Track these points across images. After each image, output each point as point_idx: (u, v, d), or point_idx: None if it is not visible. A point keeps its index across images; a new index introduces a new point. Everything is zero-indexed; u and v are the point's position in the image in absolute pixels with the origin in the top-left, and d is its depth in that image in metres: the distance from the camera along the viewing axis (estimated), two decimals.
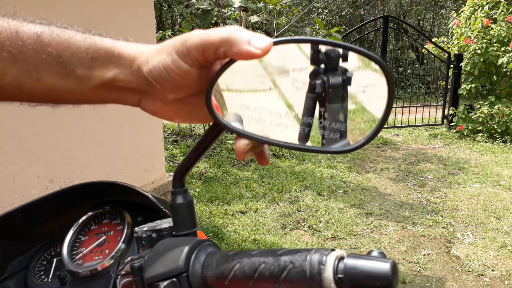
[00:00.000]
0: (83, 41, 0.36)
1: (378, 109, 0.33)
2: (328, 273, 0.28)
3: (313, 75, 0.34)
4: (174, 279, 0.36)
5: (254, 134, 0.36)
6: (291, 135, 0.36)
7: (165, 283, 0.36)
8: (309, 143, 0.35)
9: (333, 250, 0.29)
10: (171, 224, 0.42)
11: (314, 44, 0.33)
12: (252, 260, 0.32)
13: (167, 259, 0.37)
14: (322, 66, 0.34)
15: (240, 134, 0.38)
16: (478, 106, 6.29)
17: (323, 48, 0.33)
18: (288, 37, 0.33)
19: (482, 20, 6.23)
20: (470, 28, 6.46)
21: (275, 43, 0.33)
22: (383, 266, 0.27)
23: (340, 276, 0.28)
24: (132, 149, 2.39)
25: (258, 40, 0.32)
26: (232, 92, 0.38)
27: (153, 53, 0.36)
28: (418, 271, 2.49)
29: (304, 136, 0.36)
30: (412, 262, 2.59)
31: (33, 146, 1.82)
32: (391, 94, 0.32)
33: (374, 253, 0.29)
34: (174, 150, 5.08)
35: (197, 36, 0.34)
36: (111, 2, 2.16)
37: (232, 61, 0.34)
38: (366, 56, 0.33)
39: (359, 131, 0.34)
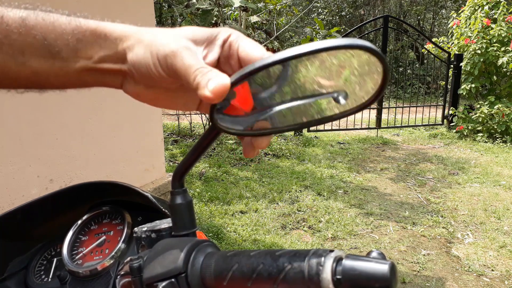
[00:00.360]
0: (68, 23, 0.36)
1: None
2: (327, 274, 0.28)
3: None
4: (173, 280, 0.36)
5: (255, 131, 0.36)
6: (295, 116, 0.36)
7: (164, 283, 0.36)
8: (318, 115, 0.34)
9: (331, 251, 0.29)
10: (171, 224, 0.42)
11: (276, 64, 0.31)
12: (251, 260, 0.32)
13: (166, 260, 0.37)
14: None
15: (241, 135, 0.38)
16: (478, 106, 6.29)
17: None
18: (243, 72, 0.32)
19: (482, 20, 6.23)
20: (470, 28, 6.46)
21: (233, 84, 0.32)
22: (382, 268, 0.27)
23: (338, 277, 0.28)
24: (132, 149, 2.39)
25: (212, 84, 0.32)
26: None
27: (139, 42, 0.35)
28: (418, 271, 2.49)
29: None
30: (412, 262, 2.59)
31: (33, 146, 1.82)
32: (386, 70, 0.31)
33: (374, 254, 0.29)
34: (174, 150, 5.08)
35: (179, 59, 0.34)
36: (111, 2, 2.16)
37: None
38: (345, 48, 0.30)
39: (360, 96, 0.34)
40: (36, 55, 0.35)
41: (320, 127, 6.46)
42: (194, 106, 0.41)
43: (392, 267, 0.27)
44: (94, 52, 0.36)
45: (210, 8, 4.16)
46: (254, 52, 0.35)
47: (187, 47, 0.35)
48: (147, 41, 0.35)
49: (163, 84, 0.37)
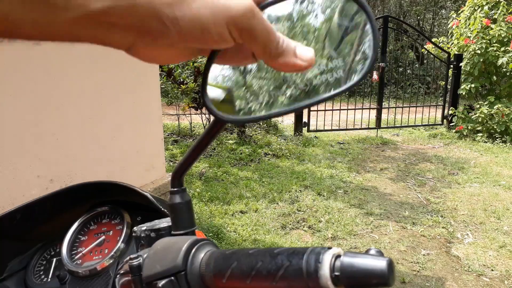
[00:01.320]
0: None
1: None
2: (325, 271, 0.28)
3: None
4: (172, 278, 0.36)
5: (261, 115, 0.35)
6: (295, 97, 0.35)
7: (163, 281, 0.36)
8: (316, 96, 0.34)
9: (329, 248, 0.29)
10: (170, 224, 0.42)
11: None
12: (250, 258, 0.32)
13: (165, 258, 0.37)
14: None
15: (247, 121, 0.37)
16: (478, 106, 6.29)
17: None
18: None
19: (481, 21, 6.24)
20: (470, 28, 6.46)
21: None
22: (380, 264, 0.27)
23: (336, 274, 0.28)
24: (132, 149, 2.39)
25: (303, 52, 0.30)
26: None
27: None
28: (418, 271, 2.49)
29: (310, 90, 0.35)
30: (412, 262, 2.60)
31: (33, 146, 1.82)
32: (375, 33, 0.31)
33: (372, 251, 0.29)
34: (174, 150, 5.08)
35: (259, 21, 0.29)
36: None
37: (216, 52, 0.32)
38: None
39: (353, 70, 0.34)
40: None
41: (320, 127, 6.47)
42: (191, 54, 0.34)
43: (390, 264, 0.28)
44: (94, 1, 0.27)
45: None
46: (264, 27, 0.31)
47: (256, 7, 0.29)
48: None
49: (196, 44, 0.30)
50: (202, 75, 0.35)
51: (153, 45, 0.30)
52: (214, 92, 0.36)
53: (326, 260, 0.28)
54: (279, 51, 0.29)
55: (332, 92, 0.33)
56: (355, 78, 0.32)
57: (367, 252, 0.29)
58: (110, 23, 0.28)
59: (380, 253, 0.29)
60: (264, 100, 0.36)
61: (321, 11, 0.34)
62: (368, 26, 0.32)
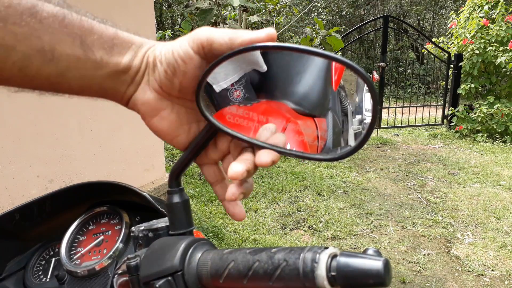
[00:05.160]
0: (106, 29, 0.36)
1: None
2: (321, 271, 0.28)
3: None
4: (169, 278, 0.36)
5: (247, 138, 0.36)
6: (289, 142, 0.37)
7: (161, 282, 0.36)
8: (309, 152, 0.36)
9: (326, 248, 0.29)
10: (168, 224, 0.42)
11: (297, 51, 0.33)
12: (247, 258, 0.32)
13: (163, 258, 0.37)
14: None
15: (236, 137, 0.37)
16: (478, 106, 6.29)
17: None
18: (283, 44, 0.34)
19: (479, 21, 6.24)
20: (468, 28, 6.47)
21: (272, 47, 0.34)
22: (376, 264, 0.27)
23: (333, 273, 0.28)
24: (132, 149, 2.39)
25: (262, 30, 0.35)
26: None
27: (169, 43, 0.38)
28: (418, 271, 2.49)
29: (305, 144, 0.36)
30: (412, 262, 2.59)
31: (33, 146, 1.82)
32: (375, 104, 0.33)
33: (370, 251, 0.29)
34: (174, 150, 5.09)
35: (208, 30, 0.36)
36: (111, 2, 2.16)
37: (224, 58, 0.34)
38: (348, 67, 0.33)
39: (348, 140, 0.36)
40: (68, 54, 0.34)
41: None
42: (194, 132, 0.40)
43: (386, 264, 0.28)
44: (126, 58, 0.37)
45: (209, 7, 4.16)
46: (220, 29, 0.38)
47: None
48: (172, 41, 0.38)
49: (182, 76, 0.37)
50: (197, 85, 0.37)
51: (148, 90, 0.38)
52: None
53: (323, 260, 0.28)
54: (239, 42, 0.35)
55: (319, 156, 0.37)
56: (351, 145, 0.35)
57: (364, 252, 0.29)
58: (131, 75, 0.38)
59: (377, 253, 0.29)
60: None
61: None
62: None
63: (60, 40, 0.33)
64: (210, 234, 2.82)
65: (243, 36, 0.34)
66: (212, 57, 0.36)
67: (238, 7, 4.87)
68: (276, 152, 0.35)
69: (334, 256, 0.29)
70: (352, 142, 0.37)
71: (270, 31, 0.34)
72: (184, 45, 0.36)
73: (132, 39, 0.38)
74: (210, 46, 0.35)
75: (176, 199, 0.41)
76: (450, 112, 6.67)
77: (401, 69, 10.76)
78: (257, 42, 0.33)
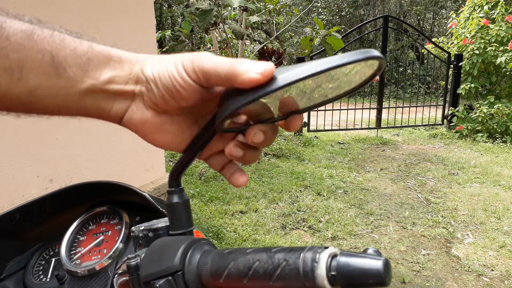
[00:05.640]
0: (79, 43, 0.34)
1: None
2: (321, 271, 0.28)
3: None
4: (170, 278, 0.36)
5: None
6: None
7: (161, 281, 0.36)
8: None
9: (326, 247, 0.29)
10: (168, 223, 0.43)
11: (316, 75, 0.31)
12: (247, 258, 0.32)
13: (163, 258, 0.37)
14: None
15: (237, 131, 0.38)
16: (478, 106, 6.29)
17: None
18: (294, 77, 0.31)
19: (479, 21, 6.24)
20: (468, 28, 6.47)
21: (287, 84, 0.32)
22: (376, 264, 0.27)
23: (333, 273, 0.28)
24: (132, 149, 2.39)
25: (257, 67, 0.32)
26: None
27: (157, 60, 0.36)
28: (418, 271, 2.49)
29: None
30: (412, 262, 2.60)
31: (33, 146, 1.82)
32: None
33: (370, 251, 0.29)
34: None
35: (206, 60, 0.34)
36: (111, 2, 2.16)
37: (249, 103, 0.33)
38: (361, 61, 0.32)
39: None
40: (38, 71, 0.32)
41: (320, 127, 6.47)
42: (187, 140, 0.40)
43: (386, 263, 0.28)
44: (103, 73, 0.34)
45: (209, 8, 4.16)
46: (218, 61, 0.36)
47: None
48: (166, 58, 0.36)
49: (180, 100, 0.35)
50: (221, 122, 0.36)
51: (143, 108, 0.37)
52: None
53: (323, 259, 0.28)
54: (232, 73, 0.33)
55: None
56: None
57: (364, 251, 0.29)
58: (113, 92, 0.35)
59: (377, 253, 0.29)
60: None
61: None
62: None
63: (28, 57, 0.31)
64: (210, 234, 2.82)
65: (242, 76, 0.32)
66: (212, 85, 0.35)
67: (238, 7, 4.87)
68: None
69: (334, 255, 0.29)
70: None
71: (267, 68, 0.32)
72: (180, 71, 0.34)
73: (109, 53, 0.35)
74: (209, 79, 0.34)
75: (176, 199, 0.41)
76: (450, 112, 6.67)
77: (401, 69, 10.76)
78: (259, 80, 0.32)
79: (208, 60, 0.34)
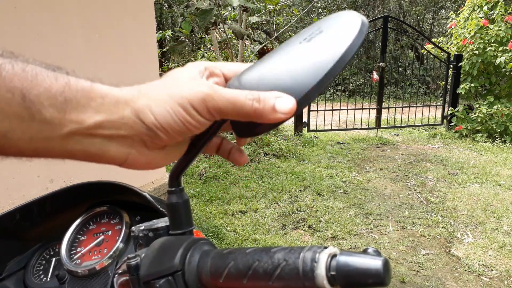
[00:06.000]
0: (55, 79, 0.29)
1: None
2: (321, 270, 0.28)
3: None
4: (170, 277, 0.36)
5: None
6: None
7: (161, 281, 0.36)
8: None
9: (326, 247, 0.29)
10: (168, 223, 0.43)
11: None
12: (246, 258, 0.32)
13: (163, 258, 0.37)
14: None
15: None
16: (477, 106, 6.29)
17: None
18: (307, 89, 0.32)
19: (478, 21, 6.24)
20: (467, 29, 6.47)
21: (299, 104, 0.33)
22: (375, 263, 0.27)
23: (332, 273, 0.28)
24: None
25: (283, 105, 0.31)
26: None
27: (153, 99, 0.32)
28: (418, 271, 2.49)
29: None
30: (411, 262, 2.60)
31: None
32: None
33: (369, 251, 0.29)
34: None
35: (218, 98, 0.31)
36: (111, 3, 2.16)
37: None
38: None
39: None
40: (7, 113, 0.27)
41: (320, 127, 6.47)
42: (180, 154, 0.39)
43: (386, 263, 0.28)
44: (88, 117, 0.30)
45: (209, 8, 4.16)
46: (235, 67, 0.36)
47: (213, 84, 0.33)
48: (163, 95, 0.32)
49: (192, 133, 0.34)
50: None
51: (146, 151, 0.33)
52: None
53: (322, 259, 0.28)
54: (257, 112, 0.31)
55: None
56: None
57: (364, 251, 0.29)
58: (105, 136, 0.31)
59: (377, 253, 0.29)
60: None
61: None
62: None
63: None
64: (210, 234, 2.82)
65: (269, 116, 0.31)
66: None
67: (238, 7, 4.87)
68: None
69: (333, 255, 0.29)
70: None
71: (293, 107, 0.31)
72: (193, 114, 0.31)
73: (90, 91, 0.30)
74: (226, 116, 0.33)
75: (176, 199, 0.41)
76: (449, 112, 6.67)
77: (400, 69, 10.76)
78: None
79: (221, 99, 0.31)
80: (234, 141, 0.42)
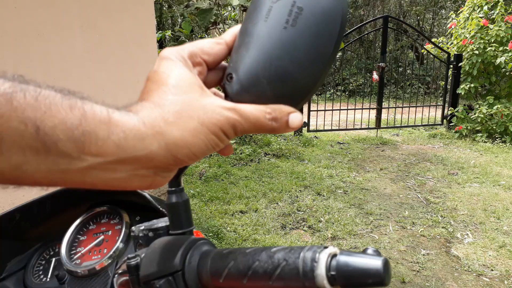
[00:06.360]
0: (70, 109, 0.27)
1: None
2: (321, 270, 0.28)
3: None
4: (170, 277, 0.36)
5: None
6: None
7: (161, 281, 0.36)
8: None
9: (326, 247, 0.29)
10: (168, 223, 0.43)
11: None
12: (246, 258, 0.32)
13: (163, 258, 0.37)
14: None
15: None
16: (477, 106, 6.29)
17: None
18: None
19: (478, 21, 6.24)
20: (467, 29, 6.47)
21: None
22: (375, 263, 0.27)
23: (332, 273, 0.28)
24: None
25: (295, 122, 0.34)
26: None
27: (188, 131, 0.30)
28: (418, 271, 2.49)
29: None
30: (411, 262, 2.60)
31: None
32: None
33: (369, 251, 0.29)
34: None
35: (247, 124, 0.33)
36: (111, 2, 2.16)
37: None
38: None
39: None
40: (21, 146, 0.25)
41: (320, 127, 6.47)
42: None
43: (386, 263, 0.28)
44: (110, 152, 0.28)
45: (209, 7, 4.16)
46: (212, 49, 0.36)
47: (234, 106, 0.33)
48: (194, 124, 0.31)
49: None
50: None
51: (168, 173, 0.33)
52: None
53: (322, 259, 0.28)
54: (274, 129, 0.34)
55: None
56: None
57: (364, 251, 0.29)
58: (130, 170, 0.30)
59: (377, 253, 0.29)
60: None
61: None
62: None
63: (8, 128, 0.25)
64: (210, 234, 2.82)
65: (281, 131, 0.34)
66: None
67: (238, 7, 4.87)
68: None
69: (333, 255, 0.29)
70: None
71: (300, 122, 0.34)
72: (224, 140, 0.32)
73: (111, 122, 0.28)
74: (244, 133, 0.34)
75: (176, 199, 0.41)
76: (449, 112, 6.68)
77: (400, 69, 10.76)
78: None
79: (247, 123, 0.33)
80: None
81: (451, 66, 6.66)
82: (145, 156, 0.29)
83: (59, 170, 0.27)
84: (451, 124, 6.68)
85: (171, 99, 0.31)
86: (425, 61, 10.80)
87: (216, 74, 0.37)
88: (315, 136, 6.30)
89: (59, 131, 0.26)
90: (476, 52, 6.21)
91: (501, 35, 6.04)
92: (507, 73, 6.28)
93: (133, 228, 0.46)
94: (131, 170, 0.30)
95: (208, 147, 0.32)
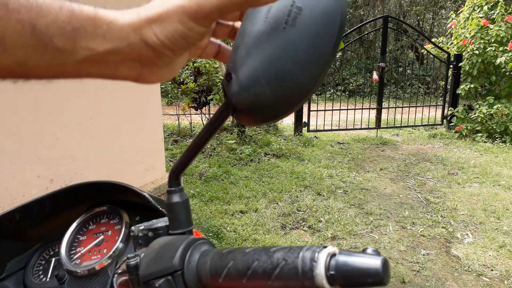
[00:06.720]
0: (60, 9, 0.30)
1: None
2: (320, 270, 0.28)
3: None
4: (169, 277, 0.36)
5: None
6: None
7: (160, 281, 0.36)
8: None
9: (325, 247, 0.29)
10: (167, 223, 0.43)
11: None
12: (246, 257, 0.32)
13: (162, 258, 0.37)
14: None
15: None
16: (477, 106, 6.29)
17: None
18: None
19: (478, 21, 6.24)
20: (468, 29, 6.47)
21: None
22: (374, 263, 0.27)
23: (332, 272, 0.28)
24: (133, 149, 2.39)
25: None
26: None
27: (156, 20, 0.32)
28: (418, 271, 2.49)
29: None
30: (411, 262, 2.60)
31: (33, 146, 1.82)
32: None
33: (368, 251, 0.29)
34: (174, 150, 5.09)
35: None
36: (111, 2, 2.16)
37: None
38: None
39: None
40: (22, 43, 0.29)
41: (320, 127, 6.47)
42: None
43: (385, 262, 0.28)
44: (98, 44, 0.31)
45: None
46: None
47: None
48: (161, 9, 0.32)
49: (195, 47, 0.37)
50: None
51: (156, 68, 0.36)
52: None
53: (321, 259, 0.28)
54: (247, 4, 0.32)
55: None
56: None
57: (363, 251, 0.29)
58: (117, 61, 0.33)
59: (376, 252, 0.29)
60: None
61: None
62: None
63: (8, 28, 0.28)
64: (210, 234, 2.82)
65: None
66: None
67: None
68: None
69: (333, 255, 0.29)
70: None
71: None
72: (192, 27, 0.32)
73: (94, 18, 0.31)
74: (222, 15, 0.33)
75: (176, 198, 0.41)
76: (449, 112, 6.68)
77: (400, 69, 10.76)
78: None
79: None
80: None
81: (451, 66, 6.66)
82: (126, 47, 0.32)
83: (57, 64, 0.31)
84: (451, 124, 6.68)
85: (152, 4, 0.34)
86: (425, 61, 10.80)
87: (225, 28, 0.40)
88: (315, 136, 6.29)
89: (53, 29, 0.30)
90: (476, 52, 6.21)
91: (501, 35, 6.05)
92: (507, 73, 6.28)
93: (132, 228, 0.46)
94: (119, 61, 0.33)
95: (176, 37, 0.32)
